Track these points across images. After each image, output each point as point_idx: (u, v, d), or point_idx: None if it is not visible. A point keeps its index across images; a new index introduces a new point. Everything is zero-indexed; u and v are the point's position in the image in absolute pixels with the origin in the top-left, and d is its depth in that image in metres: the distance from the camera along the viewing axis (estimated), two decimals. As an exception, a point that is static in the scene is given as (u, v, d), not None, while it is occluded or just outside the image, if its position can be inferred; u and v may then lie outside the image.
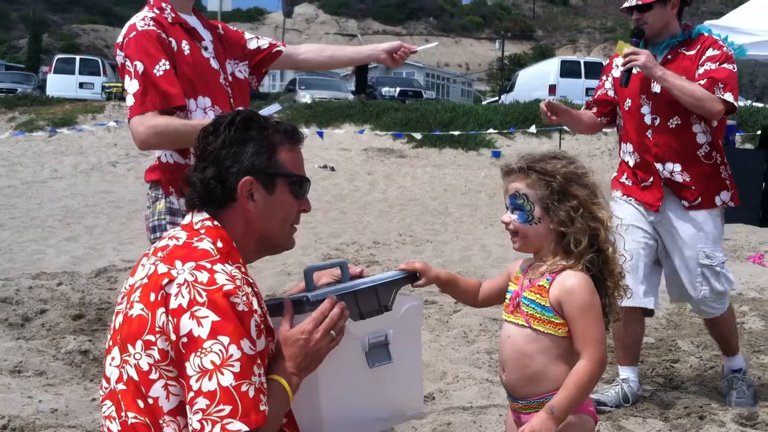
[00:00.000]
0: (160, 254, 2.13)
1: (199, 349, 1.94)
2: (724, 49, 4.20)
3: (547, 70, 29.30)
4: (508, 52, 77.91)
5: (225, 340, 1.95)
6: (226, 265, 2.08)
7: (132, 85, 3.07)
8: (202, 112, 3.14)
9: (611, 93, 4.50)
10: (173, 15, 3.22)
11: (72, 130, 22.04)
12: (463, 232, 11.18)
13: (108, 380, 2.12)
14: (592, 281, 2.38)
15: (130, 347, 2.05)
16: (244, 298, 2.03)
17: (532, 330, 2.40)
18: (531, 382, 2.42)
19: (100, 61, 34.62)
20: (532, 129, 21.22)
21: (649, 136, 4.27)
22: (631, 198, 4.38)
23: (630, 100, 4.33)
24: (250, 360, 1.98)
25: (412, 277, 2.59)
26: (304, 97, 29.48)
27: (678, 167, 4.23)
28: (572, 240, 2.37)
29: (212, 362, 1.93)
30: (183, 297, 1.98)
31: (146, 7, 3.25)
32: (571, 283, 2.35)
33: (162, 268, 2.07)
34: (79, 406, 4.10)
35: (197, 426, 1.92)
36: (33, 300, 6.28)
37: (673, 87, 4.07)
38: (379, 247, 9.73)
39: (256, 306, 2.09)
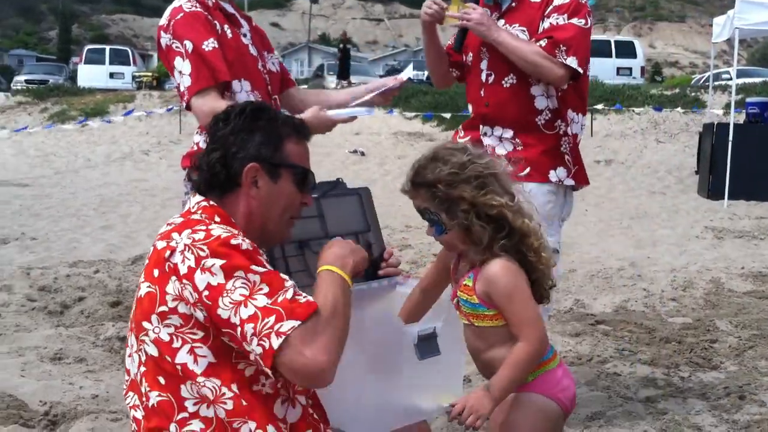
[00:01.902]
0: (158, 237, 2.18)
1: (225, 292, 1.97)
2: None
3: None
4: (537, 33, 77.22)
5: (241, 273, 1.99)
6: (221, 225, 2.13)
7: (185, 66, 3.10)
8: (246, 95, 3.16)
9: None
10: (213, 0, 3.25)
11: (104, 120, 22.25)
12: (495, 215, 11.13)
13: (128, 372, 2.18)
14: (512, 264, 2.35)
15: (145, 324, 2.09)
16: (246, 240, 2.07)
17: (475, 327, 2.42)
18: (487, 369, 2.44)
19: (129, 51, 34.85)
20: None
21: (482, 94, 3.70)
22: None
23: (471, 53, 3.77)
24: (273, 275, 2.02)
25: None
26: (332, 82, 29.49)
27: (509, 133, 3.64)
28: (476, 237, 2.35)
29: (242, 295, 1.97)
30: (189, 259, 2.02)
31: None
32: (491, 272, 2.34)
33: (161, 245, 2.11)
34: (120, 392, 4.14)
35: (259, 350, 1.94)
36: (71, 288, 6.36)
37: (508, 51, 3.51)
38: (411, 230, 9.72)
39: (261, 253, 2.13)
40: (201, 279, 1.99)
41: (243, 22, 3.37)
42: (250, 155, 2.21)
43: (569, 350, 4.95)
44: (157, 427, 2.07)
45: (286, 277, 2.05)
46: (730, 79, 18.63)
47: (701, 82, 27.28)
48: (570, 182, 3.69)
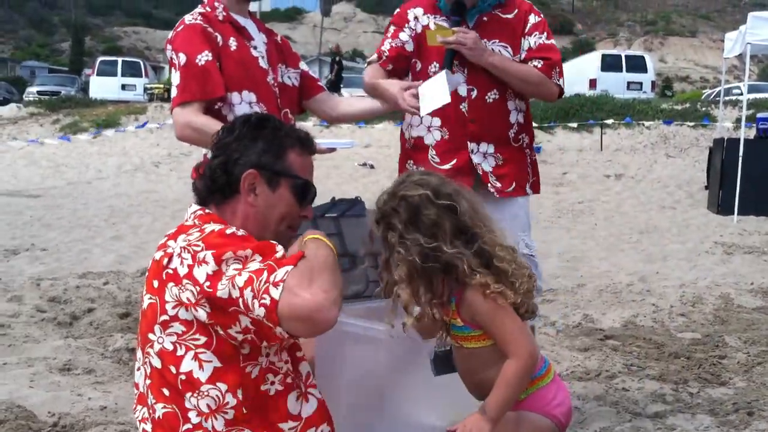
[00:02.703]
0: (157, 249, 2.21)
1: (222, 275, 2.00)
2: (542, 15, 3.76)
3: (588, 64, 29.08)
4: (548, 47, 77.14)
5: (229, 254, 2.02)
6: (216, 223, 2.17)
7: (175, 77, 3.18)
8: (248, 107, 3.19)
9: (409, 47, 3.74)
10: (224, 14, 3.31)
11: (116, 131, 22.36)
12: (504, 229, 11.11)
13: (137, 386, 2.21)
14: (485, 284, 2.33)
15: (150, 336, 2.13)
16: (241, 230, 2.11)
17: (465, 349, 2.41)
18: (480, 389, 2.43)
19: (141, 63, 35.04)
20: (573, 123, 21.08)
21: (464, 110, 3.67)
22: None
23: (437, 65, 3.66)
24: (264, 244, 2.07)
25: None
26: (343, 95, 29.56)
27: (491, 148, 3.69)
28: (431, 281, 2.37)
29: (235, 269, 2.00)
30: (186, 259, 2.06)
31: (199, 6, 3.36)
32: (466, 297, 2.34)
33: (158, 255, 2.15)
34: (128, 404, 4.15)
35: (262, 311, 1.95)
36: (81, 299, 6.38)
37: (505, 73, 3.59)
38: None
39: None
40: (200, 272, 2.02)
41: (258, 35, 3.40)
42: (250, 162, 2.25)
43: (577, 365, 4.94)
44: None
45: (276, 242, 2.09)
46: (741, 94, 18.59)
47: (712, 96, 27.26)
48: (531, 192, 3.83)
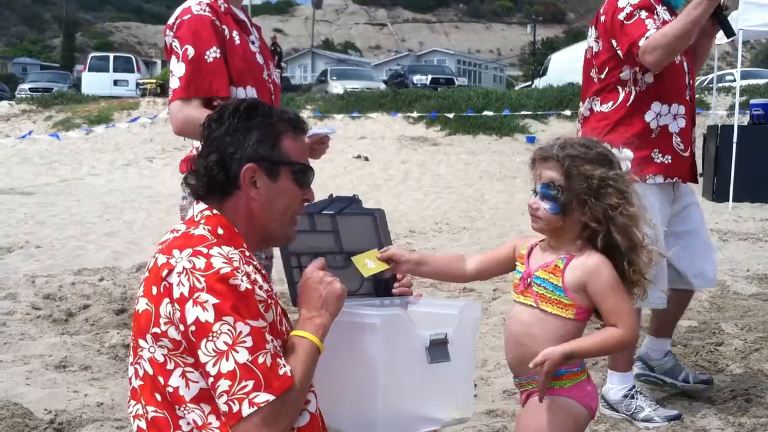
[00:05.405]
0: (159, 247, 2.14)
1: (210, 334, 1.95)
2: None
3: (581, 53, 29.03)
4: (540, 36, 77.31)
5: (230, 319, 1.96)
6: (223, 247, 2.07)
7: (178, 68, 3.07)
8: None
9: None
10: (226, 5, 3.22)
11: (108, 127, 22.31)
12: (499, 219, 11.13)
13: (130, 380, 2.16)
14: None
15: (141, 342, 2.08)
16: (245, 278, 2.02)
17: (539, 310, 2.40)
18: (520, 356, 2.43)
19: (133, 59, 35.00)
20: (567, 112, 21.09)
21: (688, 97, 3.81)
22: (671, 179, 3.84)
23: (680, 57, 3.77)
24: (260, 332, 1.99)
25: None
26: (336, 87, 29.52)
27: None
28: (587, 233, 2.37)
29: (225, 343, 1.94)
30: (183, 285, 1.99)
31: None
32: (593, 262, 2.35)
33: (161, 259, 2.07)
34: (125, 400, 4.11)
35: (225, 408, 1.94)
36: (76, 296, 6.36)
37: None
38: (416, 235, 9.72)
39: (261, 282, 2.09)
40: (191, 311, 1.97)
41: (252, 30, 3.35)
42: (247, 155, 2.16)
43: (574, 354, 4.94)
44: None
45: (270, 338, 2.01)
46: (734, 80, 18.61)
47: (705, 83, 27.25)
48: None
